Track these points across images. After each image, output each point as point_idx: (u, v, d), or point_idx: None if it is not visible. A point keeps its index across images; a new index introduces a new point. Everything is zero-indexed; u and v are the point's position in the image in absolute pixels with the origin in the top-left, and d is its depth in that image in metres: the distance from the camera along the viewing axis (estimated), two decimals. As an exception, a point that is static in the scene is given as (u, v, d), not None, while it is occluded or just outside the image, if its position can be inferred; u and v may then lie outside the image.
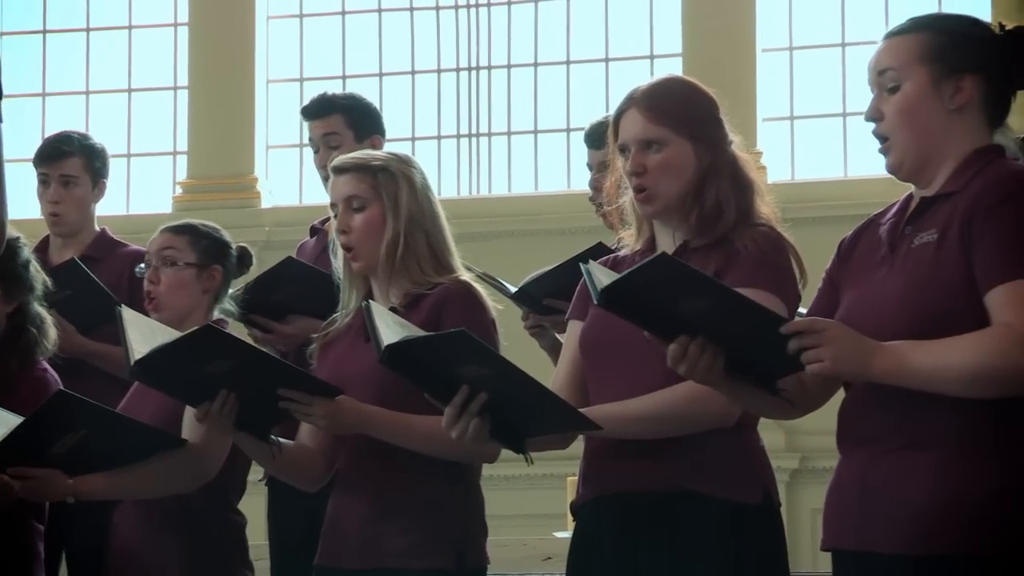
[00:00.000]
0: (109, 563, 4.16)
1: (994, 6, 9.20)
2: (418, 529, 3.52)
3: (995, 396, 2.67)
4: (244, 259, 4.37)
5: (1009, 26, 2.91)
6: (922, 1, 9.66)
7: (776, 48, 10.05)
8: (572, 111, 10.25)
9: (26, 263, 4.26)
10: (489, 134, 10.41)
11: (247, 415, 3.45)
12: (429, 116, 10.43)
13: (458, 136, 10.42)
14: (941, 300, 2.74)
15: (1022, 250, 2.70)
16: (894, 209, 2.93)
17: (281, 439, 3.55)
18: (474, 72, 10.43)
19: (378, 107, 5.32)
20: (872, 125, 2.92)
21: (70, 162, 5.20)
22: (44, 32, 10.98)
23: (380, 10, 10.62)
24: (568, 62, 10.36)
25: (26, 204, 5.53)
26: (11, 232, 3.06)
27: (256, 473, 4.16)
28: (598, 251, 3.86)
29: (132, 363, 3.39)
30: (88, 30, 10.92)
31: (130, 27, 10.88)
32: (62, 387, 4.24)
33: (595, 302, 2.77)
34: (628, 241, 3.39)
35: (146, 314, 4.15)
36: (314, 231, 5.17)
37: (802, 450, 8.74)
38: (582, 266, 2.88)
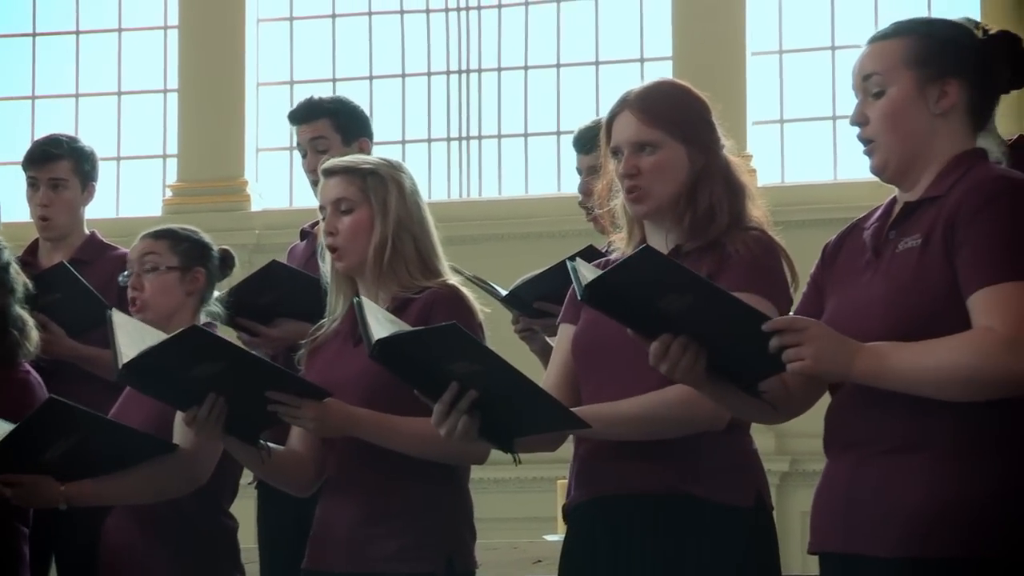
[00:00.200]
0: (99, 566, 4.15)
1: (983, 6, 9.23)
2: (406, 533, 3.52)
3: (975, 399, 2.68)
4: (227, 261, 4.37)
5: (992, 30, 2.91)
6: (911, 4, 9.68)
7: (766, 52, 10.07)
8: (562, 114, 10.26)
9: (6, 266, 4.26)
10: (479, 137, 10.41)
11: (236, 420, 3.45)
12: (419, 119, 10.44)
13: (448, 139, 10.42)
14: (926, 304, 2.74)
15: (1004, 254, 2.70)
16: (878, 213, 2.94)
17: (271, 444, 3.55)
18: (464, 75, 10.43)
19: (368, 110, 5.32)
20: (857, 129, 2.92)
21: (59, 165, 5.19)
22: (34, 35, 10.97)
23: (370, 13, 10.62)
24: (558, 65, 10.36)
25: (15, 207, 5.53)
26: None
27: (246, 476, 4.16)
28: (589, 254, 3.87)
29: (120, 366, 3.39)
30: (78, 33, 10.91)
31: (120, 30, 10.87)
32: (45, 389, 4.24)
33: (579, 297, 2.77)
34: (619, 244, 3.39)
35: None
36: (304, 234, 5.17)
37: (792, 453, 8.75)
38: (568, 263, 2.87)
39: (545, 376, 3.44)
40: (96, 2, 10.91)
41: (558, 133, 10.21)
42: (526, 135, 10.39)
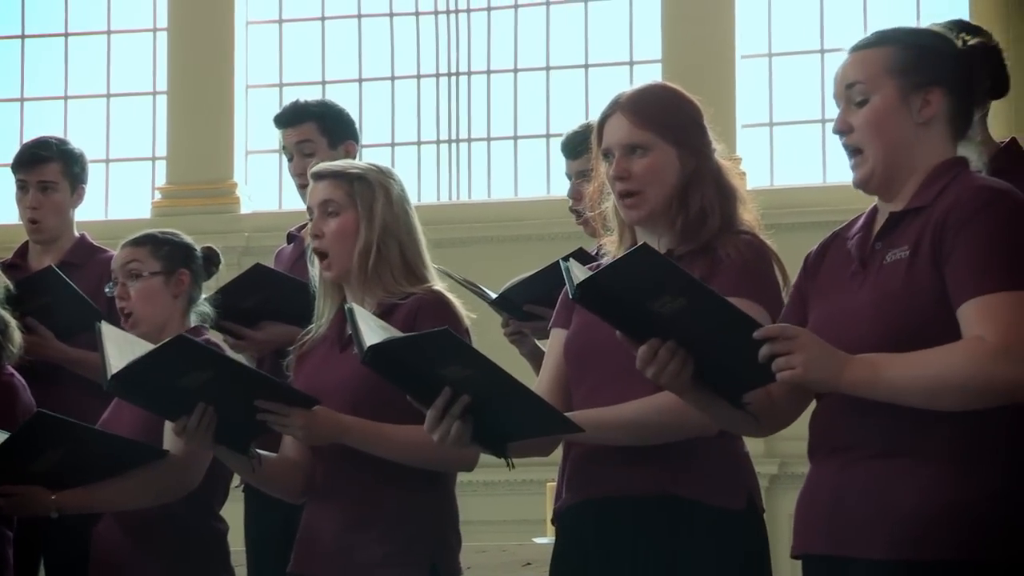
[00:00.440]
0: (90, 570, 4.14)
1: (972, 8, 9.25)
2: (391, 539, 3.52)
3: (967, 408, 2.68)
4: (211, 259, 4.37)
5: (971, 41, 2.92)
6: (900, 7, 9.70)
7: (755, 54, 10.08)
8: (552, 117, 10.26)
9: None
10: (469, 140, 10.41)
11: (226, 429, 3.45)
12: (409, 122, 10.43)
13: (438, 142, 10.41)
14: (915, 314, 2.75)
15: (993, 264, 2.71)
16: (860, 223, 2.94)
17: (262, 451, 3.55)
18: (454, 78, 10.43)
19: (357, 113, 5.33)
20: (838, 137, 2.93)
21: (49, 168, 5.18)
22: (23, 37, 10.95)
23: (360, 15, 10.61)
24: (548, 68, 10.36)
25: (5, 209, 5.52)
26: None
27: (234, 479, 4.16)
28: (579, 257, 3.87)
29: (109, 378, 3.39)
30: (67, 35, 10.89)
31: (109, 32, 10.86)
32: (29, 392, 4.24)
33: (571, 296, 2.76)
34: (610, 247, 3.39)
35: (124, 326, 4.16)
36: (291, 238, 5.17)
37: (781, 456, 8.75)
38: (562, 263, 2.87)
39: (537, 380, 3.43)
40: (85, 4, 10.89)
41: (547, 136, 10.21)
42: (515, 138, 10.39)
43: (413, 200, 3.81)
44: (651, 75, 9.76)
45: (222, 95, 10.40)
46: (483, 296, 4.45)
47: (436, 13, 10.48)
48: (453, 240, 8.56)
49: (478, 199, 10.31)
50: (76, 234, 5.25)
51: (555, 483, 3.49)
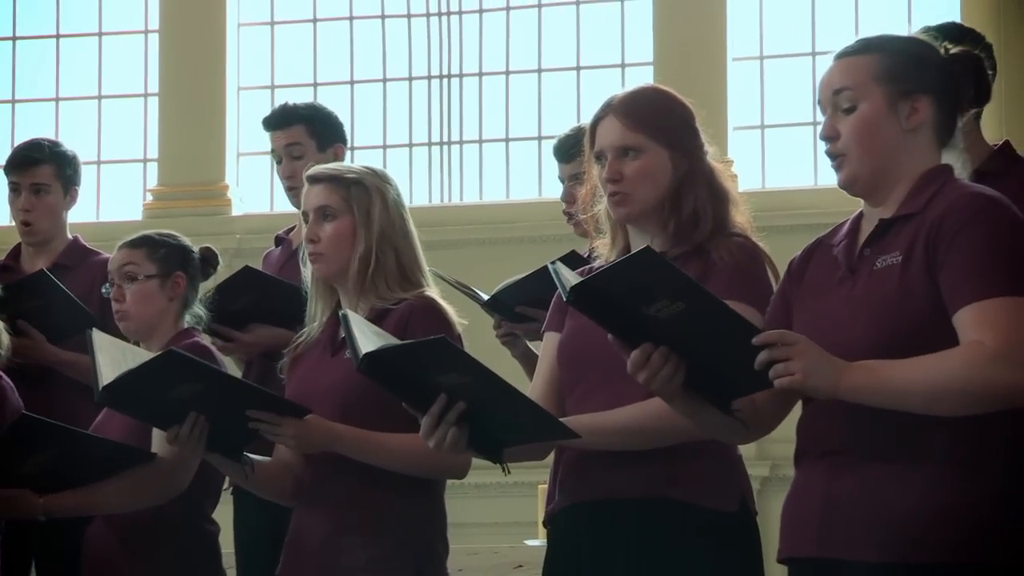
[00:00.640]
0: (81, 572, 4.14)
1: (964, 11, 9.27)
2: (378, 544, 3.52)
3: (966, 413, 2.69)
4: (209, 260, 4.36)
5: (954, 50, 2.94)
6: (891, 10, 9.71)
7: (747, 57, 10.09)
8: (544, 119, 10.26)
9: None
10: (461, 142, 10.41)
11: (219, 435, 3.45)
12: (401, 124, 10.43)
13: (430, 144, 10.42)
14: (909, 320, 2.75)
15: (990, 270, 2.72)
16: (844, 230, 2.95)
17: (255, 456, 3.55)
18: (446, 80, 10.44)
19: (349, 115, 5.33)
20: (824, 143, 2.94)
21: (41, 170, 5.17)
22: (14, 38, 10.94)
23: (351, 18, 10.61)
24: (540, 70, 10.37)
25: (-3, 211, 5.52)
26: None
27: (224, 482, 4.16)
28: (571, 260, 3.87)
29: (100, 389, 3.39)
30: (58, 36, 10.89)
31: (100, 34, 10.85)
32: (17, 394, 4.23)
33: (564, 299, 2.75)
34: (602, 250, 3.39)
35: (116, 325, 4.15)
36: (279, 241, 5.17)
37: (772, 458, 8.76)
38: (550, 266, 2.86)
39: (531, 385, 3.43)
40: (77, 6, 10.89)
41: (539, 138, 10.21)
42: (507, 140, 10.40)
43: (405, 202, 3.81)
44: (643, 78, 9.78)
45: (214, 97, 10.39)
46: (475, 298, 4.45)
47: (428, 15, 10.48)
48: (445, 242, 8.56)
49: (470, 201, 10.31)
50: (69, 236, 5.24)
51: (547, 485, 3.48)
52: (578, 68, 10.32)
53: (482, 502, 8.80)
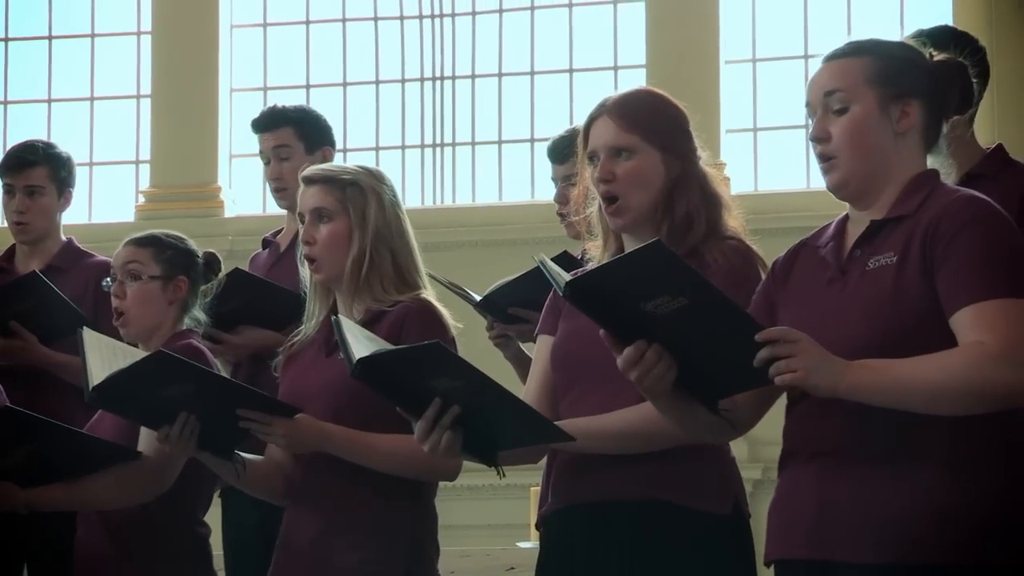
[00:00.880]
0: (73, 574, 4.13)
1: (956, 13, 9.28)
2: (368, 546, 3.51)
3: (967, 412, 2.70)
4: (212, 265, 4.34)
5: (938, 56, 2.95)
6: (884, 13, 9.72)
7: (739, 60, 10.10)
8: (536, 121, 10.27)
9: None
10: (453, 144, 10.42)
11: (210, 435, 3.45)
12: (393, 126, 10.43)
13: (422, 146, 10.42)
14: (904, 319, 2.76)
15: (990, 272, 2.73)
16: (830, 232, 2.95)
17: (247, 455, 3.55)
18: (438, 82, 10.44)
19: (342, 117, 5.33)
20: (813, 144, 2.95)
21: (35, 172, 5.16)
22: (6, 40, 10.94)
23: (344, 20, 10.61)
24: (532, 73, 10.38)
25: (-10, 212, 5.50)
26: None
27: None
28: (564, 261, 3.87)
29: (90, 389, 3.38)
30: (51, 38, 10.88)
31: (93, 35, 10.85)
32: (4, 395, 4.22)
33: (560, 292, 2.73)
34: (594, 252, 3.39)
35: (111, 326, 4.14)
36: (266, 243, 5.16)
37: (765, 461, 8.76)
38: (538, 260, 2.86)
39: (525, 388, 3.43)
40: (69, 7, 10.88)
41: (532, 140, 10.22)
42: (500, 142, 10.40)
43: (401, 202, 3.79)
44: (635, 80, 9.78)
45: (206, 99, 10.39)
46: (468, 299, 4.45)
47: (421, 17, 10.48)
48: (438, 244, 8.55)
49: (463, 203, 10.32)
50: (63, 238, 5.24)
51: (539, 487, 3.48)
52: (571, 71, 10.33)
53: (474, 504, 8.80)
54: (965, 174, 3.93)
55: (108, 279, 4.25)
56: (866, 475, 2.75)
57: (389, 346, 3.20)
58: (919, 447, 2.73)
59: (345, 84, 10.52)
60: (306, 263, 3.70)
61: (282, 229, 5.11)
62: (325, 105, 9.83)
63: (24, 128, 10.35)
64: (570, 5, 10.38)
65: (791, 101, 9.91)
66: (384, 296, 3.61)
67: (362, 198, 3.64)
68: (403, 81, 10.46)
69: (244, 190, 10.48)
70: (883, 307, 2.77)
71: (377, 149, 10.36)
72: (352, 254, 3.62)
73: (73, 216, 5.71)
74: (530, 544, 5.99)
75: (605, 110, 3.31)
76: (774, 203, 9.21)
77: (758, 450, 8.71)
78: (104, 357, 3.50)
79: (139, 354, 3.56)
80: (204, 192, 10.33)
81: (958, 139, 3.10)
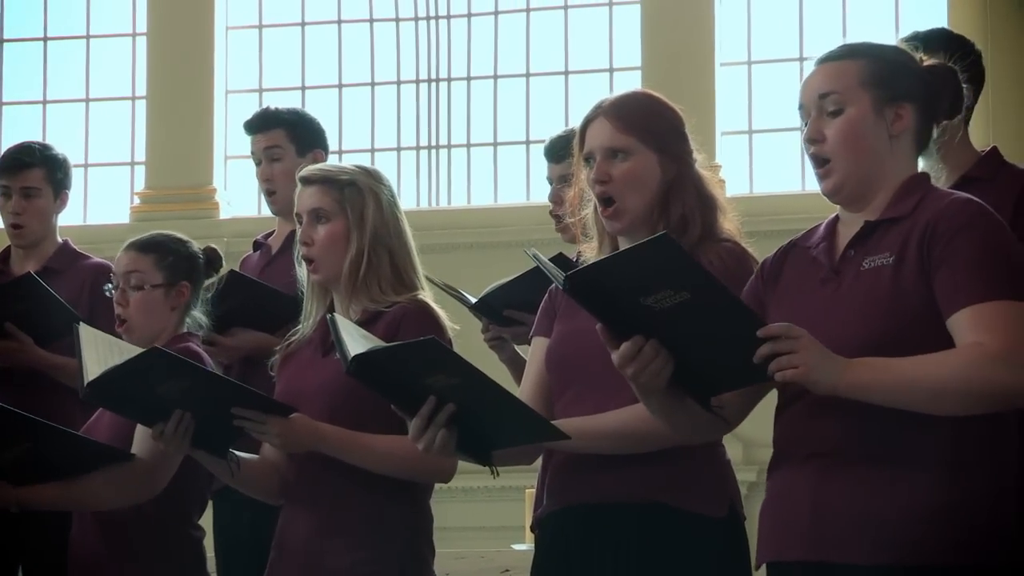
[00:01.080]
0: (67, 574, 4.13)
1: (951, 14, 9.29)
2: (362, 547, 3.51)
3: (967, 413, 2.70)
4: (213, 262, 4.32)
5: (928, 61, 2.96)
6: (879, 15, 9.73)
7: (735, 62, 10.11)
8: (532, 123, 10.28)
9: None
10: (449, 146, 10.42)
11: (204, 433, 3.45)
12: (389, 128, 10.44)
13: (418, 148, 10.42)
14: (901, 319, 2.76)
15: (989, 274, 2.74)
16: (820, 233, 2.96)
17: (242, 454, 3.55)
18: (434, 84, 10.44)
19: (336, 118, 5.32)
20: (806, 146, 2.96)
21: (32, 174, 5.16)
22: (1, 41, 10.93)
23: (340, 21, 10.62)
24: (528, 75, 10.38)
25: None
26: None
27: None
28: (559, 262, 3.86)
29: (84, 385, 3.38)
30: (46, 39, 10.88)
31: (88, 36, 10.85)
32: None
33: (560, 286, 2.71)
34: (589, 254, 3.39)
35: (107, 328, 4.14)
36: (257, 245, 5.16)
37: (759, 463, 8.74)
38: (529, 252, 2.85)
39: (519, 389, 3.43)
40: (64, 8, 10.88)
41: (527, 142, 10.23)
42: (495, 144, 10.40)
43: (399, 202, 3.78)
44: (631, 82, 9.79)
45: (201, 100, 10.39)
46: (463, 301, 4.45)
47: (416, 19, 10.49)
48: (433, 246, 8.51)
49: (458, 205, 10.32)
50: (59, 240, 5.23)
51: (534, 489, 3.48)
52: (566, 73, 10.33)
53: (469, 506, 8.80)
54: (960, 176, 3.94)
55: (110, 285, 4.23)
56: (864, 476, 2.76)
57: (383, 343, 3.20)
58: (917, 448, 2.73)
59: (341, 86, 10.52)
60: (304, 263, 3.70)
61: (273, 232, 5.11)
62: (320, 107, 9.88)
63: (19, 129, 10.35)
64: (566, 7, 10.39)
65: (786, 103, 9.90)
66: (381, 297, 3.61)
67: (360, 198, 3.64)
68: (399, 83, 10.47)
69: (239, 192, 10.49)
70: (880, 305, 2.78)
71: (372, 151, 10.36)
72: (350, 255, 3.62)
73: (68, 218, 5.70)
74: (525, 546, 6.00)
75: (601, 111, 3.31)
76: (769, 205, 9.21)
77: (753, 452, 8.71)
78: (100, 353, 3.50)
79: (135, 350, 3.55)
80: (199, 194, 10.33)
81: (947, 144, 3.12)
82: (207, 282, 4.28)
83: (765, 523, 2.91)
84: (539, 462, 3.40)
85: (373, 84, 10.50)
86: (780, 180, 9.99)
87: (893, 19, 9.82)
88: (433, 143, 10.41)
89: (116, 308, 4.16)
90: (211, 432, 3.45)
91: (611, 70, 10.28)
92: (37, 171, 5.16)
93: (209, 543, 4.48)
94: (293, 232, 4.79)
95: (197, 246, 4.27)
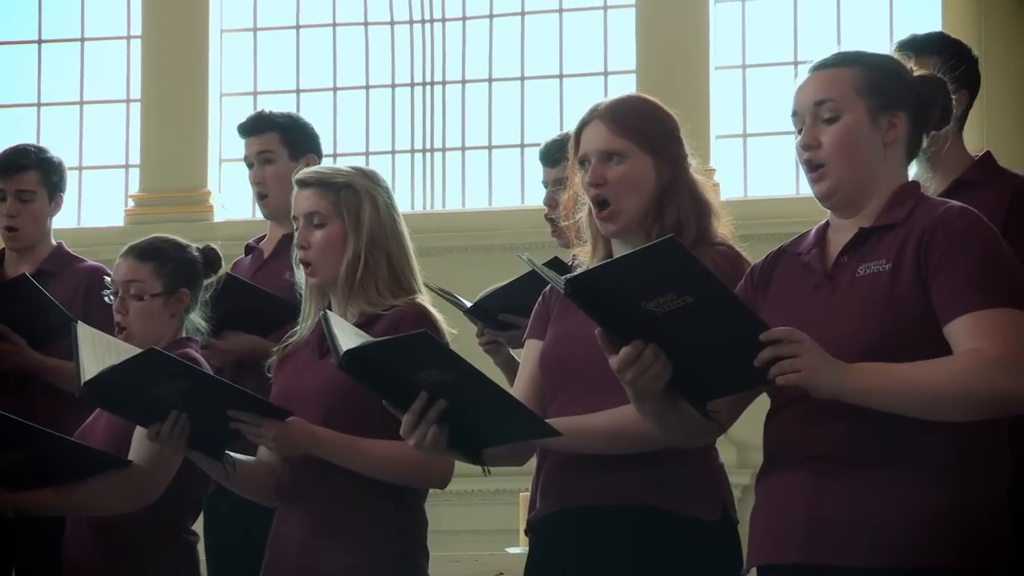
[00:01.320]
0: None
1: (945, 16, 9.29)
2: (357, 550, 3.51)
3: (963, 419, 2.72)
4: (212, 263, 4.31)
5: (918, 72, 2.98)
6: (873, 19, 9.74)
7: (729, 66, 10.11)
8: (526, 127, 10.27)
9: None
10: (443, 149, 10.41)
11: (201, 434, 3.45)
12: (383, 131, 10.43)
13: (412, 151, 10.42)
14: (899, 324, 2.78)
15: (987, 281, 2.76)
16: (810, 239, 2.97)
17: (237, 455, 3.55)
18: (429, 87, 10.44)
19: (331, 122, 5.33)
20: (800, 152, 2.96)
21: (27, 176, 5.16)
22: (-5, 43, 10.93)
23: (334, 24, 10.61)
24: (523, 78, 10.38)
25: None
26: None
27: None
28: (555, 266, 3.87)
29: (81, 384, 3.38)
30: (40, 42, 10.87)
31: (82, 39, 10.83)
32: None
33: (561, 290, 2.70)
34: (583, 258, 3.39)
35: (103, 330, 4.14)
36: (249, 249, 5.16)
37: (753, 466, 8.74)
38: (523, 257, 2.85)
39: (512, 391, 3.43)
40: (59, 11, 10.87)
41: (522, 145, 10.22)
42: (490, 147, 10.40)
43: (396, 204, 3.78)
44: (625, 86, 9.79)
45: (196, 103, 10.38)
46: (458, 305, 4.46)
47: (411, 22, 10.48)
48: (427, 249, 8.48)
49: (452, 208, 10.31)
50: (53, 243, 5.23)
51: (528, 493, 3.49)
52: (561, 76, 10.33)
53: (464, 510, 8.80)
54: (954, 180, 3.95)
55: (109, 291, 4.21)
56: (862, 479, 2.76)
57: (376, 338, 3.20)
58: (915, 452, 2.74)
59: (335, 89, 10.51)
60: (301, 267, 3.69)
61: (265, 235, 5.11)
62: (315, 110, 9.87)
63: (13, 132, 10.33)
64: (560, 10, 10.39)
65: (781, 107, 9.87)
66: (379, 300, 3.61)
67: (356, 201, 3.64)
68: (393, 86, 10.46)
69: (233, 194, 10.47)
70: (877, 311, 2.79)
71: (367, 154, 10.35)
72: (346, 258, 3.62)
73: (62, 220, 5.71)
74: (519, 549, 6.00)
75: (597, 114, 3.32)
76: (764, 209, 9.22)
77: (747, 456, 8.71)
78: (98, 352, 3.50)
79: (132, 350, 3.55)
80: (194, 196, 10.31)
81: (936, 154, 3.14)
82: (206, 282, 4.27)
83: (757, 527, 2.92)
84: (533, 465, 3.40)
85: (368, 87, 10.49)
86: (774, 184, 9.98)
87: (887, 24, 9.82)
88: (428, 146, 10.41)
89: (116, 316, 4.14)
90: (207, 434, 3.46)
91: (606, 74, 10.28)
92: (32, 174, 5.16)
93: (201, 545, 4.48)
94: (285, 236, 4.81)
95: (196, 249, 4.25)
